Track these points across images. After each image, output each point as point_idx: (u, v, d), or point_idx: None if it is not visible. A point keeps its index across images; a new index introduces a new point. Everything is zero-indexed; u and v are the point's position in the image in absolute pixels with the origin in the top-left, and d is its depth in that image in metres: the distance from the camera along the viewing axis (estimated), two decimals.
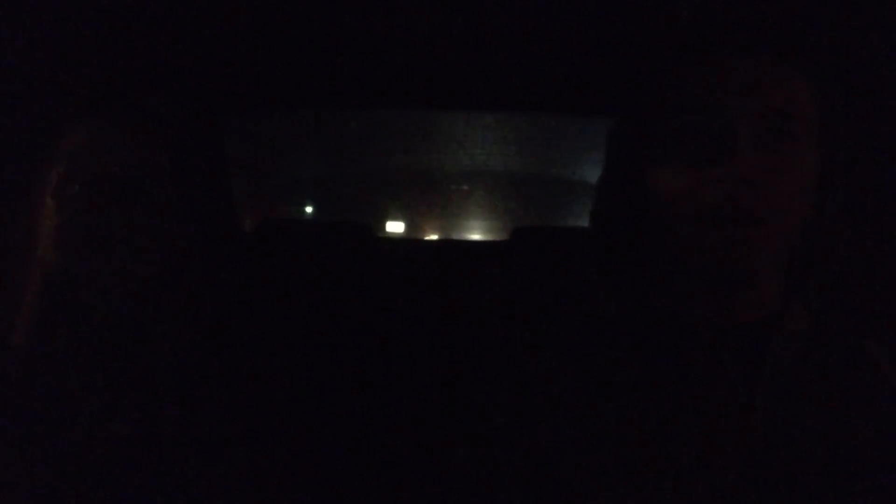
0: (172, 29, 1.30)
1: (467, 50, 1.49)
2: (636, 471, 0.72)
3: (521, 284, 1.61)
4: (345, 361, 1.46)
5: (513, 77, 1.60)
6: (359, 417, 1.28)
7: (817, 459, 0.72)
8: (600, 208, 0.85)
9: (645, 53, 0.84)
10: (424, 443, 1.21)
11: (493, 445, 0.80)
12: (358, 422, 1.27)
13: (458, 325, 1.58)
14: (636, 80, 0.83)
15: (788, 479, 0.71)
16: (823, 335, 0.79)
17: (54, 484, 0.83)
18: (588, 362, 0.78)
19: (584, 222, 0.90)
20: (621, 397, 0.75)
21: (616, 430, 0.74)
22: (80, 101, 0.92)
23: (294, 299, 1.56)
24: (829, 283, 0.80)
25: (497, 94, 1.73)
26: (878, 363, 0.78)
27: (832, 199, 0.78)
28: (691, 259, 0.77)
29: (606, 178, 0.85)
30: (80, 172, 0.87)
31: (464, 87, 1.68)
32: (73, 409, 0.86)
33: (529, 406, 0.78)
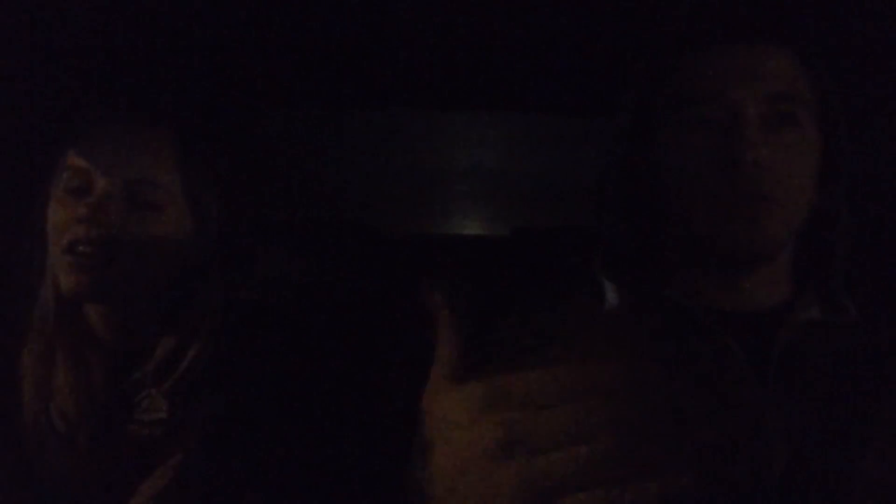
0: (174, 30, 1.30)
1: (467, 50, 1.49)
2: (636, 466, 0.73)
3: (521, 283, 1.61)
4: (349, 362, 1.46)
5: (513, 76, 1.60)
6: (361, 420, 1.28)
7: (826, 452, 0.72)
8: (605, 201, 0.86)
9: (648, 46, 0.85)
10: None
11: None
12: (358, 424, 1.27)
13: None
14: (639, 74, 0.84)
15: (797, 475, 0.71)
16: (836, 325, 0.79)
17: (56, 489, 0.83)
18: (593, 357, 0.78)
19: (584, 221, 0.91)
20: (627, 392, 0.75)
21: (620, 426, 0.74)
22: (87, 106, 0.92)
23: (296, 300, 1.55)
24: (840, 271, 0.80)
25: (497, 94, 1.73)
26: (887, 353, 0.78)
27: (837, 183, 0.80)
28: (699, 246, 0.78)
29: (611, 171, 0.85)
30: (90, 179, 0.87)
31: (463, 87, 1.69)
32: (78, 414, 0.86)
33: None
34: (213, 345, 0.90)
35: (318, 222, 1.82)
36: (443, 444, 0.48)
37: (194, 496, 0.84)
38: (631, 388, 0.52)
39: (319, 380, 0.98)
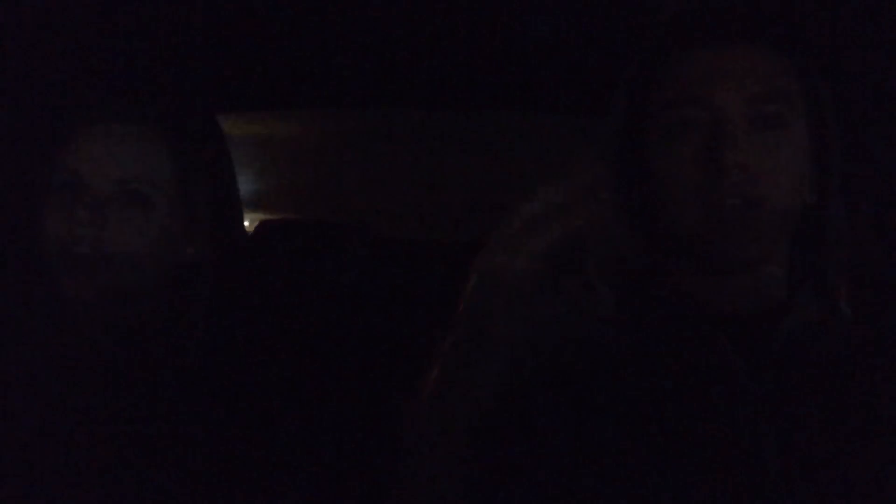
0: (173, 29, 1.30)
1: (466, 50, 1.49)
2: (635, 472, 0.72)
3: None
4: (342, 363, 1.46)
5: (509, 76, 1.60)
6: (353, 420, 1.28)
7: (823, 454, 0.71)
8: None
9: (633, 49, 0.85)
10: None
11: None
12: (352, 424, 1.27)
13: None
14: (628, 76, 0.83)
15: (795, 482, 0.70)
16: (836, 327, 0.78)
17: (55, 481, 0.83)
18: (586, 359, 0.78)
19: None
20: (621, 395, 0.75)
21: (616, 430, 0.74)
22: (80, 105, 0.91)
23: (292, 301, 1.56)
24: (837, 271, 0.80)
25: (494, 94, 1.73)
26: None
27: (830, 181, 0.79)
28: (691, 250, 0.77)
29: (605, 173, 0.85)
30: (86, 179, 0.87)
31: (463, 87, 1.68)
32: (75, 414, 0.86)
33: (527, 406, 0.78)
34: (209, 343, 0.91)
35: (315, 224, 1.82)
36: None
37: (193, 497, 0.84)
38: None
39: (316, 379, 0.98)
